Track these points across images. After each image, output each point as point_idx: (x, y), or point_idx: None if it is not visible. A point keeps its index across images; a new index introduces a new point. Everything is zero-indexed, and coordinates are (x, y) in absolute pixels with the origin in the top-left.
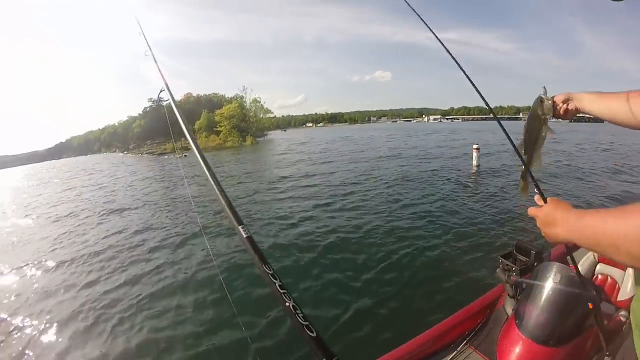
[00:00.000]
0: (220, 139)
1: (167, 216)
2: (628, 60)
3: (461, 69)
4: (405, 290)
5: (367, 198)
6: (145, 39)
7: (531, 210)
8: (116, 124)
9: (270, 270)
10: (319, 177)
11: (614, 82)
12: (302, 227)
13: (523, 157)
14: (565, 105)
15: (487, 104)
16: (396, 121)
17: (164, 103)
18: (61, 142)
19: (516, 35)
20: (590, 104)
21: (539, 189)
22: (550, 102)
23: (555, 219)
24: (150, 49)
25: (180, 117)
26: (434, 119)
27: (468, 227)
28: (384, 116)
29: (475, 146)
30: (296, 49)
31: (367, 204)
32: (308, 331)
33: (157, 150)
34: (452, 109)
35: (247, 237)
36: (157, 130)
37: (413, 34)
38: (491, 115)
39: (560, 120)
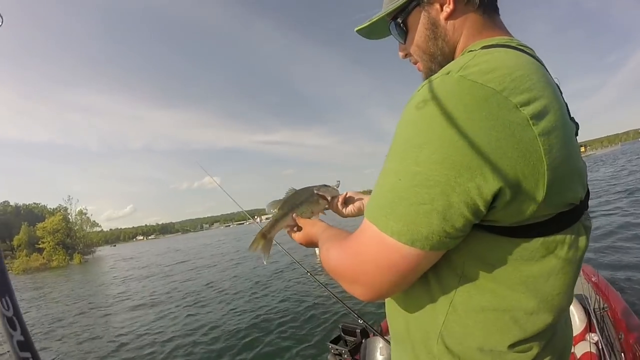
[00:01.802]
0: (44, 258)
1: None
2: None
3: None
4: None
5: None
6: None
7: (294, 236)
8: None
9: None
10: (149, 296)
11: None
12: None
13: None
14: (342, 196)
15: (241, 207)
16: (229, 225)
17: None
18: None
19: (334, 130)
20: None
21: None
22: (331, 189)
23: (313, 236)
24: None
25: None
26: (266, 218)
27: (291, 322)
28: (217, 222)
29: None
30: (124, 155)
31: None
32: None
33: None
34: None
35: None
36: None
37: (239, 138)
38: None
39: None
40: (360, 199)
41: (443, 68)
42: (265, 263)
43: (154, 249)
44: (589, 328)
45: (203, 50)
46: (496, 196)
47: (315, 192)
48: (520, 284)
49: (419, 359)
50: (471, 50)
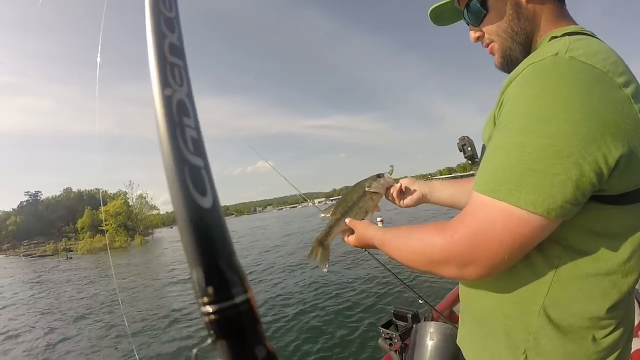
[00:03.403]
0: (107, 239)
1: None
2: (482, 119)
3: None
4: None
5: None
6: None
7: (347, 240)
8: None
9: None
10: None
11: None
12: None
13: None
14: (397, 188)
15: (297, 189)
16: (282, 209)
17: (42, 198)
18: None
19: (386, 116)
20: (438, 192)
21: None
22: (385, 180)
23: (369, 239)
24: None
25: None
26: (319, 202)
27: (348, 307)
28: (270, 205)
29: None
30: None
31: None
32: None
33: (35, 252)
34: (335, 190)
35: None
36: (36, 229)
37: (292, 123)
38: None
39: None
40: (417, 190)
41: (539, 52)
42: (325, 271)
43: None
44: None
45: (253, 41)
46: (616, 164)
47: (367, 189)
48: (623, 248)
49: (510, 336)
50: (554, 37)
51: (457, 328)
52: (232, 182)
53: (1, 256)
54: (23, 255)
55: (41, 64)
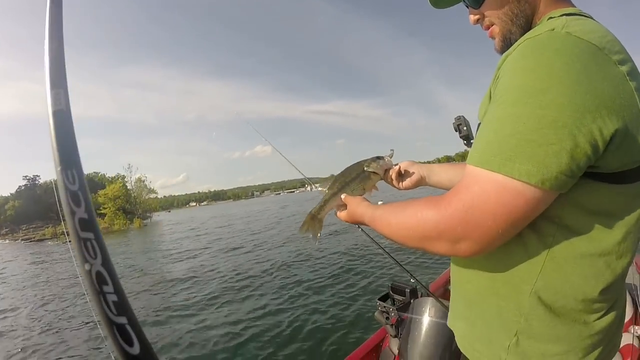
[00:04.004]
0: (106, 222)
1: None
2: None
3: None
4: (287, 348)
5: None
6: None
7: (339, 215)
8: None
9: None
10: (221, 260)
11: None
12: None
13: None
14: (396, 170)
15: (302, 172)
16: (279, 193)
17: (40, 182)
18: None
19: (387, 102)
20: (436, 175)
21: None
22: (384, 162)
23: (359, 215)
24: None
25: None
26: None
27: (344, 279)
28: (267, 189)
29: None
30: (177, 127)
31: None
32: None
33: (34, 236)
34: (333, 175)
35: None
36: (35, 213)
37: (292, 108)
38: None
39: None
40: (415, 172)
41: (536, 29)
42: (316, 244)
43: (205, 214)
44: (635, 320)
45: (255, 24)
46: (611, 139)
47: (365, 168)
48: (617, 228)
49: (502, 317)
50: (551, 17)
51: None
52: (230, 166)
53: (1, 241)
54: (22, 240)
55: (31, 48)
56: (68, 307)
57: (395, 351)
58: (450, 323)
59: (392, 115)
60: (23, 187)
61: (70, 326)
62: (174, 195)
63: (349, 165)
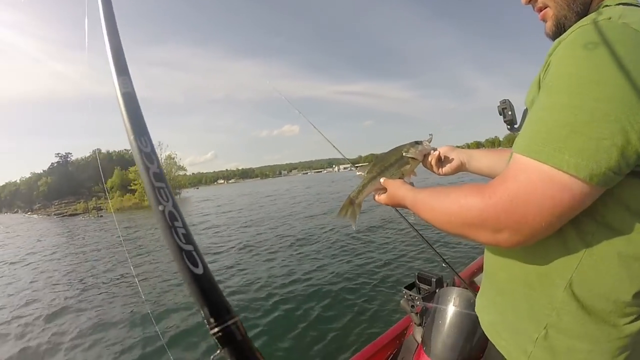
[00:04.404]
0: (136, 198)
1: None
2: (515, 94)
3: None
4: (313, 330)
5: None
6: None
7: (378, 198)
8: (18, 181)
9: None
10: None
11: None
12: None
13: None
14: (436, 155)
15: (341, 152)
16: (307, 173)
17: (72, 159)
18: None
19: (415, 85)
20: (477, 161)
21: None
22: (423, 147)
23: (400, 198)
24: None
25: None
26: (344, 168)
27: (372, 265)
28: (295, 169)
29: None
30: (205, 105)
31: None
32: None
33: (66, 211)
34: (360, 157)
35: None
36: (66, 189)
37: (319, 88)
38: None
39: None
40: (455, 158)
41: (591, 16)
42: (354, 229)
43: (232, 191)
44: None
45: (284, 2)
46: None
47: (404, 154)
48: None
49: (533, 309)
50: (607, 5)
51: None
52: (257, 145)
53: (33, 216)
54: (54, 214)
55: (66, 30)
56: (110, 270)
57: (419, 339)
58: (478, 309)
59: (420, 98)
60: (55, 164)
61: (113, 286)
62: (202, 173)
63: (385, 151)
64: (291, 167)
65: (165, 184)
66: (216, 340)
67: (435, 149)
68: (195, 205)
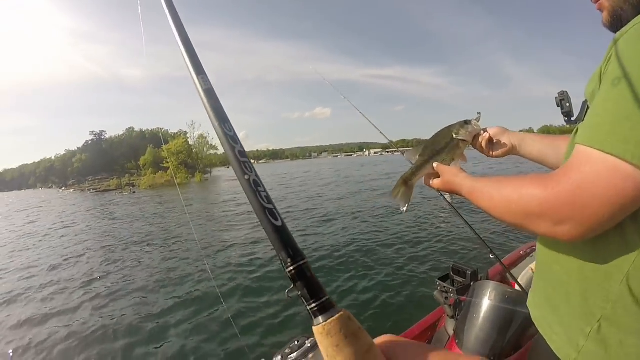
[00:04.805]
0: (168, 176)
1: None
2: (548, 85)
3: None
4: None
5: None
6: None
7: (432, 183)
8: (53, 157)
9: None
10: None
11: (537, 107)
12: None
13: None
14: (486, 137)
15: (385, 136)
16: (337, 156)
17: (106, 137)
18: None
19: (448, 71)
20: (528, 146)
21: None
22: (473, 127)
23: (457, 185)
24: None
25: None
26: (375, 153)
27: (406, 253)
28: (325, 152)
29: None
30: (236, 86)
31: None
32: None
33: (100, 187)
34: (391, 142)
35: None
36: (100, 166)
37: (350, 72)
38: None
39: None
40: (506, 141)
41: None
42: (404, 211)
43: (263, 172)
44: None
45: None
46: None
47: (454, 136)
48: None
49: (587, 302)
50: None
51: (514, 291)
52: (288, 126)
53: (69, 191)
54: (88, 190)
55: (99, 10)
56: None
57: (451, 332)
58: (530, 304)
59: (453, 85)
60: (90, 142)
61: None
62: None
63: (438, 131)
64: (321, 150)
65: (247, 159)
66: (290, 277)
67: (485, 130)
68: (227, 184)
